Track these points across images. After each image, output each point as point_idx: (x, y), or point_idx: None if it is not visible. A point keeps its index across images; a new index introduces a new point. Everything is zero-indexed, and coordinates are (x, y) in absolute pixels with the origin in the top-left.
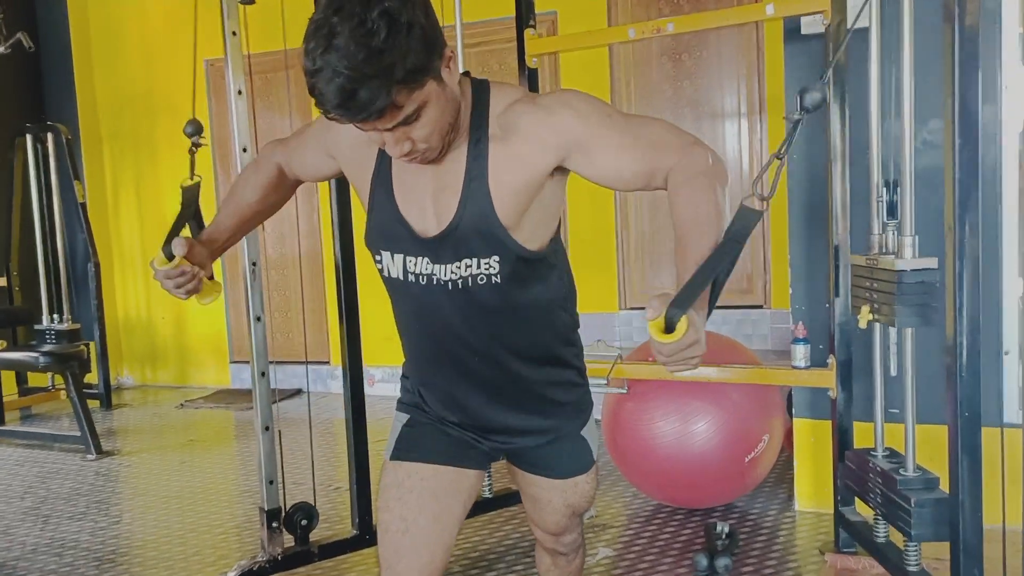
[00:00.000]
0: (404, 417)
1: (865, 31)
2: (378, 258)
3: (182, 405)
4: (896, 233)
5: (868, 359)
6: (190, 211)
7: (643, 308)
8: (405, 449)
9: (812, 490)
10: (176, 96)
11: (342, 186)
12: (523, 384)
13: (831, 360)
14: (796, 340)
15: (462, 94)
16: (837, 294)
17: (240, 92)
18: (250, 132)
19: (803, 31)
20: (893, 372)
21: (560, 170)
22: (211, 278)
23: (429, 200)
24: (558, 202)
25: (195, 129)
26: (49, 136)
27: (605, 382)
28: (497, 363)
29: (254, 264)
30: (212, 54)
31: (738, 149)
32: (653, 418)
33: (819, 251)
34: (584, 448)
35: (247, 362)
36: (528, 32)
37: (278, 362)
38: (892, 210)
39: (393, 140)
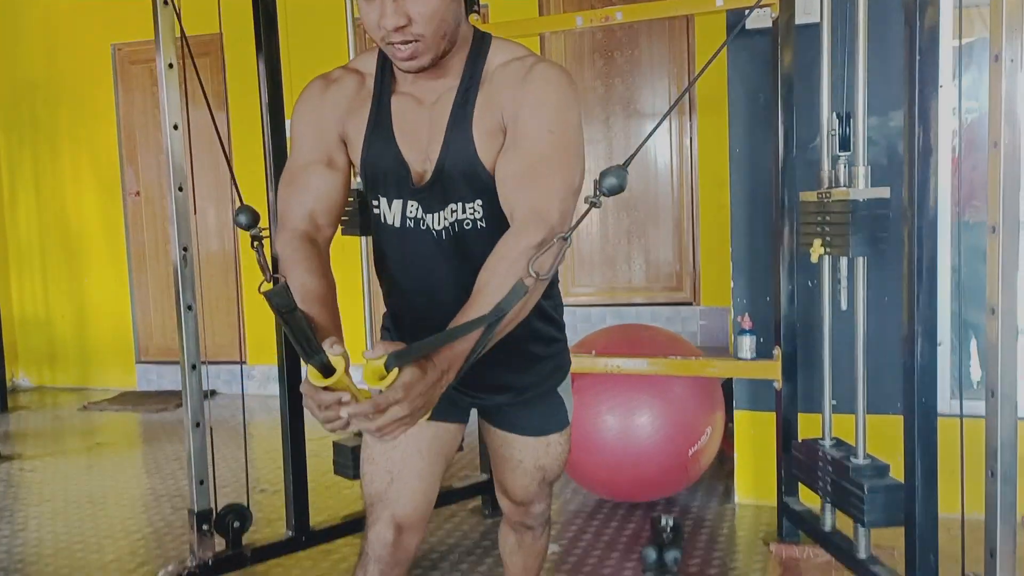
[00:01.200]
0: None
1: (815, 26)
2: (376, 203)
3: (84, 407)
4: (848, 165)
5: (811, 353)
6: (298, 317)
7: (588, 305)
8: None
9: (752, 482)
10: (80, 84)
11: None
12: (506, 339)
13: (777, 351)
14: (742, 331)
15: (465, 37)
16: (784, 266)
17: (171, 66)
18: (181, 110)
19: (748, 26)
20: (843, 306)
21: None
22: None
23: (424, 141)
24: None
25: (250, 220)
26: None
27: None
28: None
29: (185, 249)
30: (120, 38)
31: (668, 148)
32: (598, 412)
33: (760, 244)
34: (559, 406)
35: (155, 362)
36: (472, 17)
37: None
38: (844, 143)
39: (392, 5)
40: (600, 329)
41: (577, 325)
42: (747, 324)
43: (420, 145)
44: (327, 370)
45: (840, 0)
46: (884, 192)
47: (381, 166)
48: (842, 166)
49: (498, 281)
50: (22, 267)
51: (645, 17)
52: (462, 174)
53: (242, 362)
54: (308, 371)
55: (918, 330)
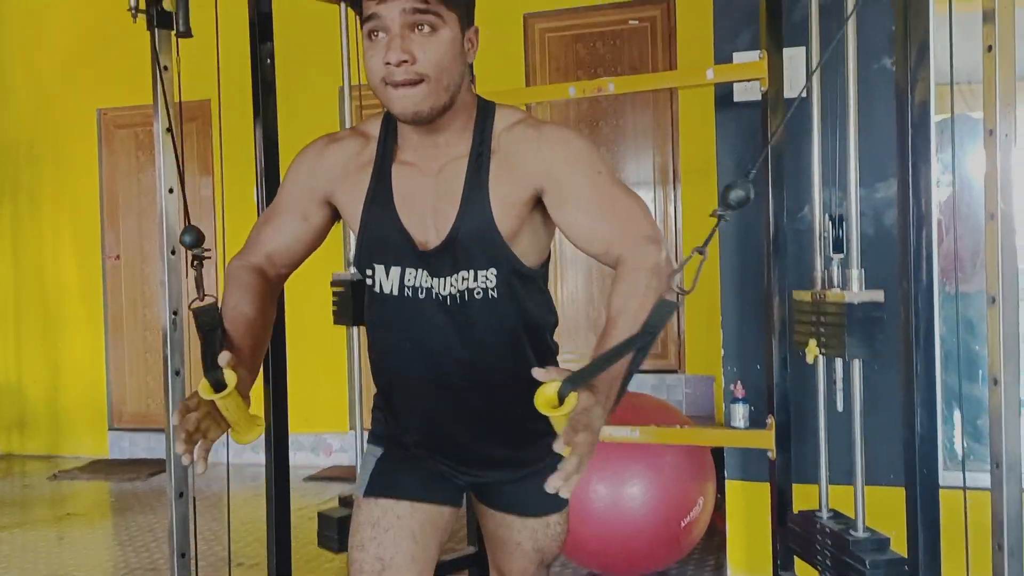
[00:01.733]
0: (377, 451)
1: (802, 101)
2: (370, 272)
3: (54, 476)
4: (841, 267)
5: (804, 422)
6: (217, 335)
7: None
8: (380, 485)
9: (745, 556)
10: (65, 146)
11: None
12: (508, 411)
13: (770, 420)
14: (735, 400)
15: (468, 102)
16: (775, 335)
17: (168, 130)
18: (176, 173)
19: (735, 99)
20: (840, 408)
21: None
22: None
23: (429, 210)
24: (551, 229)
25: (195, 239)
26: None
27: None
28: (485, 388)
29: (175, 313)
30: (106, 103)
31: (655, 217)
32: (588, 480)
33: (750, 312)
34: None
35: (128, 429)
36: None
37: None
38: (838, 245)
39: (399, 42)
40: None
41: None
42: (740, 392)
43: (424, 213)
44: (219, 385)
45: (829, 75)
46: (879, 295)
47: (380, 233)
48: (836, 267)
49: (638, 301)
50: None
51: (637, 89)
52: (478, 241)
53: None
54: (201, 384)
55: (918, 400)
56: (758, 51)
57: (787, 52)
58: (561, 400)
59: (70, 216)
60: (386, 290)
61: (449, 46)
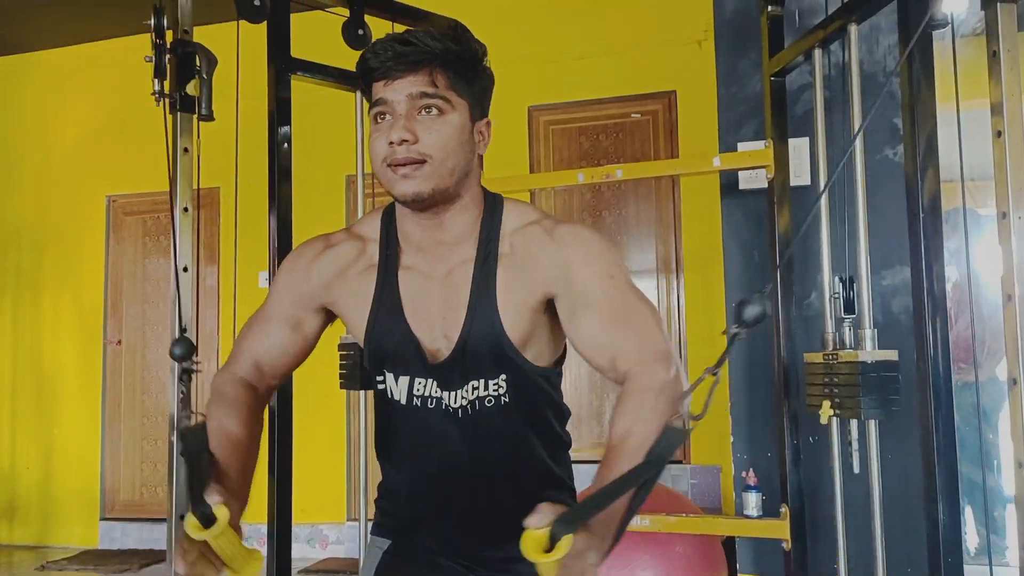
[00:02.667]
0: (384, 542)
1: (806, 188)
2: (380, 378)
3: (43, 567)
4: (853, 328)
5: (817, 512)
6: (205, 460)
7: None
8: None
9: None
10: (70, 232)
11: None
12: (519, 513)
13: (784, 509)
14: (747, 488)
15: (476, 196)
16: (787, 400)
17: (186, 210)
18: (192, 254)
19: (741, 186)
20: (856, 469)
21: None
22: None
23: (437, 318)
24: (562, 332)
25: (185, 351)
26: None
27: None
28: (499, 494)
29: (183, 393)
30: (115, 190)
31: (655, 304)
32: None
33: (760, 399)
34: None
35: (120, 519)
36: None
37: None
38: (849, 306)
39: (403, 122)
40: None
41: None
42: (752, 480)
43: (432, 321)
44: (207, 520)
45: (833, 164)
46: (892, 355)
47: (389, 343)
48: (847, 328)
49: (644, 426)
50: None
51: (645, 175)
52: (487, 350)
53: None
54: (187, 519)
55: (940, 489)
56: (763, 141)
57: (791, 142)
58: (553, 543)
59: (73, 301)
60: (396, 397)
61: (456, 131)
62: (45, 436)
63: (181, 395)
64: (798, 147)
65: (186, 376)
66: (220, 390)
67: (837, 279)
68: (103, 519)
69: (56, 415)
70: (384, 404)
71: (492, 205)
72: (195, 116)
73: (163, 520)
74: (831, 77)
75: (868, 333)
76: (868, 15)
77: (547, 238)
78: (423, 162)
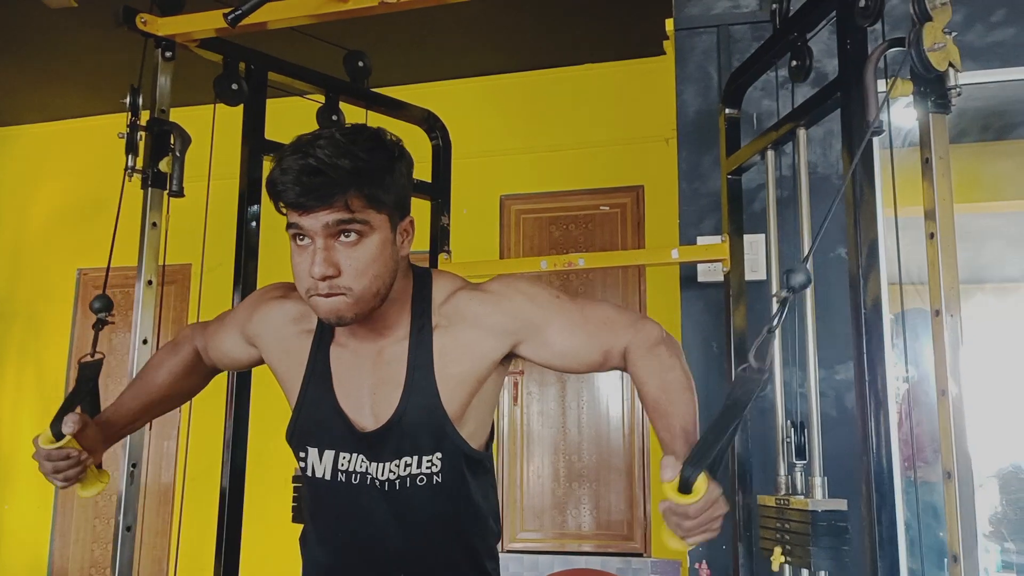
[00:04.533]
0: None
1: (761, 283)
2: (303, 455)
3: None
4: (804, 474)
5: None
6: (86, 387)
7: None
8: None
9: None
10: (38, 306)
11: (241, 393)
12: None
13: None
14: None
15: (404, 286)
16: (741, 540)
17: (150, 283)
18: (154, 327)
19: (699, 279)
20: None
21: (506, 359)
22: (99, 467)
23: (367, 393)
24: (495, 396)
25: (103, 305)
26: None
27: None
28: (426, 573)
29: (134, 466)
30: (87, 264)
31: (620, 394)
32: None
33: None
34: None
35: None
36: (442, 256)
37: None
38: (800, 451)
39: (323, 254)
40: (555, 572)
41: (524, 574)
42: (705, 572)
43: (361, 398)
44: (57, 436)
45: (785, 261)
46: (842, 504)
47: (316, 414)
48: (799, 473)
49: (672, 374)
50: None
51: (605, 264)
52: (424, 424)
53: None
54: (44, 431)
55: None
56: (721, 236)
57: (747, 238)
58: (686, 487)
59: (35, 374)
60: (318, 474)
61: (377, 251)
62: None
63: (93, 338)
64: (755, 243)
65: (99, 324)
66: (180, 339)
67: (788, 423)
68: None
69: (7, 492)
70: (307, 487)
71: (420, 283)
72: (166, 192)
73: None
74: (787, 177)
75: (818, 481)
76: (816, 120)
77: (483, 297)
78: (344, 294)
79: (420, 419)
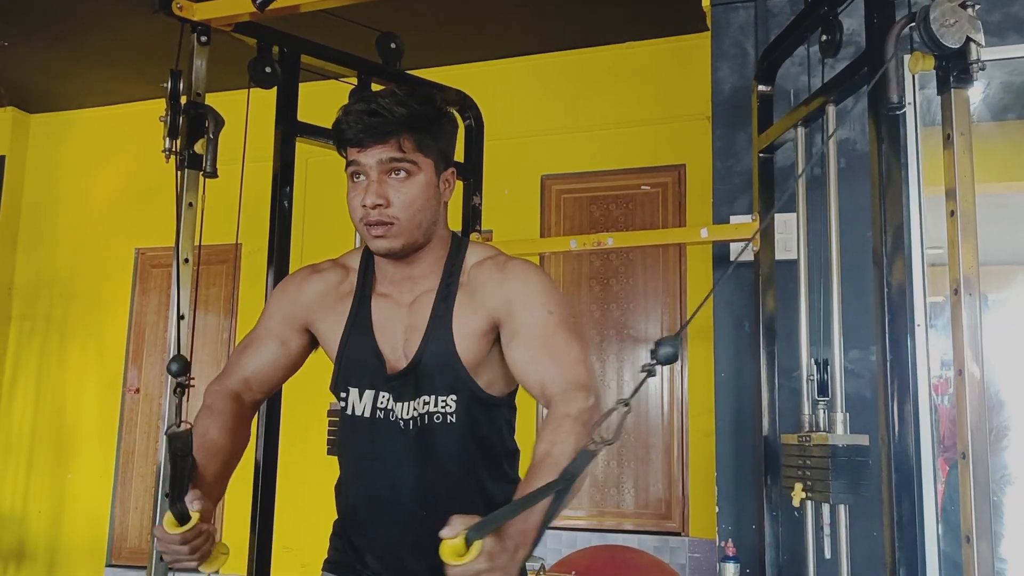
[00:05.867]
0: None
1: (793, 262)
2: (344, 395)
3: None
4: (827, 411)
5: None
6: (188, 463)
7: (575, 529)
8: None
9: None
10: (100, 284)
11: None
12: None
13: None
14: (725, 558)
15: (444, 238)
16: (768, 477)
17: (187, 260)
18: (190, 307)
19: (732, 258)
20: (827, 555)
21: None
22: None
23: (400, 338)
24: None
25: (180, 368)
26: None
27: None
28: (442, 516)
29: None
30: (144, 243)
31: (659, 374)
32: None
33: (747, 469)
34: None
35: (124, 566)
36: (473, 235)
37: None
38: (823, 388)
39: (375, 187)
40: (585, 548)
41: (562, 550)
42: (731, 550)
43: (396, 341)
44: (183, 518)
45: (816, 239)
46: (863, 439)
47: (358, 357)
48: (821, 410)
49: (561, 448)
50: (7, 460)
51: (634, 243)
52: (438, 368)
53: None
54: (166, 516)
55: (899, 560)
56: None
57: (780, 217)
58: (463, 547)
59: (97, 351)
60: (358, 412)
61: (423, 189)
62: (59, 482)
63: (176, 405)
64: (788, 222)
65: (180, 390)
66: (208, 400)
67: (812, 361)
68: (108, 566)
69: (71, 462)
70: (345, 423)
71: (457, 245)
72: (201, 173)
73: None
74: (822, 155)
75: (840, 417)
76: (845, 96)
77: (498, 271)
78: (393, 224)
79: (436, 363)
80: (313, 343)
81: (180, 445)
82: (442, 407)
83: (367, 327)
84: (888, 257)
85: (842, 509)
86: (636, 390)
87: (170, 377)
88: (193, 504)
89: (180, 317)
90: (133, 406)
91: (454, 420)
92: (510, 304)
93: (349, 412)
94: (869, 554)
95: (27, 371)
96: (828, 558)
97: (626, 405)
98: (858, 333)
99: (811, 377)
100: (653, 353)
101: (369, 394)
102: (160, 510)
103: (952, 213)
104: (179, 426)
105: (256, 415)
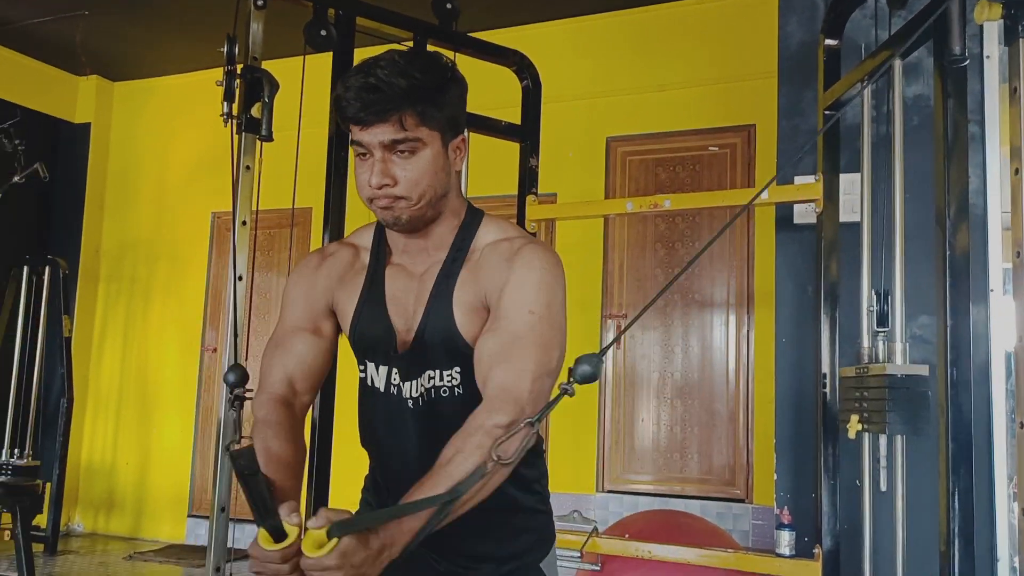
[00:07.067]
0: None
1: (857, 225)
2: (362, 368)
3: (130, 557)
4: (886, 341)
5: (856, 554)
6: (260, 480)
7: (638, 493)
8: None
9: None
10: (180, 246)
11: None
12: (485, 508)
13: (817, 550)
14: (780, 526)
15: (456, 208)
16: (824, 447)
17: (244, 223)
18: (248, 269)
19: (795, 220)
20: (883, 487)
21: None
22: None
23: (411, 310)
24: None
25: (239, 378)
26: (47, 269)
27: (578, 555)
28: None
29: (232, 392)
30: (221, 207)
31: (724, 339)
32: None
33: (806, 436)
34: None
35: (205, 516)
36: (529, 198)
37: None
38: (882, 319)
39: (380, 166)
40: (641, 511)
41: (624, 513)
42: (786, 518)
43: (407, 313)
44: (279, 534)
45: (882, 198)
46: (923, 369)
47: (371, 333)
48: (880, 342)
49: (460, 459)
50: (98, 414)
51: (691, 205)
52: (441, 342)
53: None
54: (259, 533)
55: (955, 530)
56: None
57: (846, 177)
58: (322, 540)
59: (177, 311)
60: (376, 385)
61: (430, 164)
62: (144, 436)
63: (233, 420)
64: (854, 182)
65: (237, 402)
66: (259, 415)
67: (873, 292)
68: (190, 515)
69: (155, 417)
70: (365, 394)
71: (471, 218)
72: (257, 137)
73: (246, 520)
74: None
75: (899, 347)
76: (912, 49)
77: (507, 254)
78: (401, 200)
79: (437, 338)
80: (339, 324)
81: (245, 463)
82: (448, 380)
83: (380, 300)
84: (952, 219)
85: (899, 440)
86: (544, 412)
87: (225, 387)
88: (291, 517)
89: (238, 279)
90: (211, 364)
91: (461, 391)
92: (501, 291)
93: (368, 384)
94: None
95: (114, 330)
96: (883, 491)
97: (532, 424)
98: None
99: (871, 308)
100: (571, 372)
101: (384, 369)
102: (221, 467)
103: (1016, 171)
104: (239, 442)
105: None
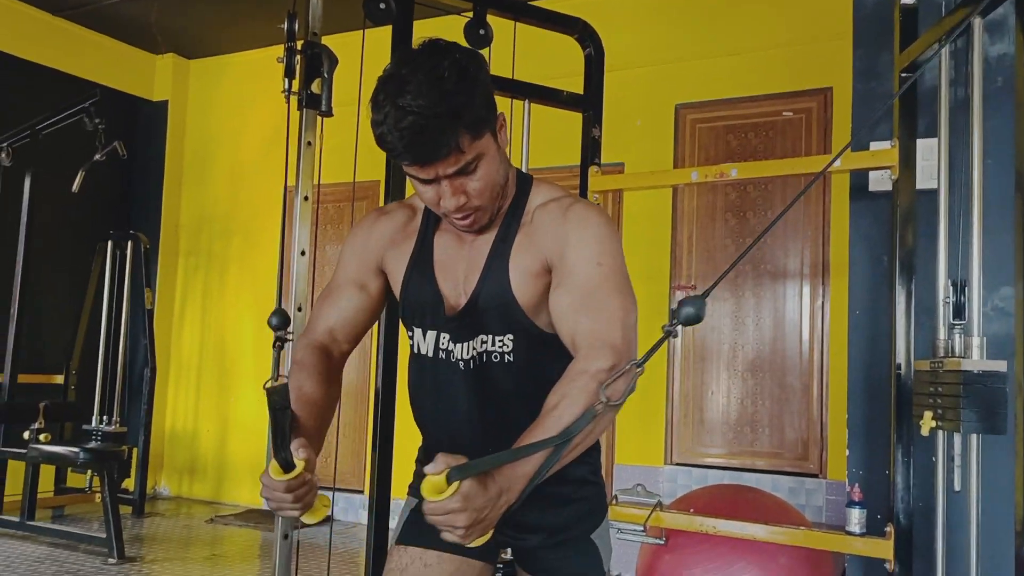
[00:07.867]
0: (413, 502)
1: (934, 193)
2: (411, 335)
3: (212, 520)
4: (963, 335)
5: (929, 533)
6: (287, 415)
7: (708, 466)
8: (412, 534)
9: None
10: (254, 221)
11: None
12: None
13: (889, 528)
14: (851, 503)
15: (511, 185)
16: (898, 425)
17: (306, 198)
18: (311, 244)
19: (871, 188)
20: (957, 487)
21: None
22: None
23: (461, 277)
24: None
25: (281, 321)
26: (129, 244)
27: (642, 530)
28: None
29: None
30: (292, 181)
31: (798, 311)
32: (693, 574)
33: (879, 411)
34: (594, 554)
35: None
36: (592, 169)
37: None
38: (959, 311)
39: (451, 191)
40: (707, 486)
41: (693, 486)
42: (857, 496)
43: (457, 279)
44: (288, 466)
45: (960, 165)
46: (1000, 365)
47: (419, 298)
48: (957, 335)
49: (568, 403)
50: (180, 383)
51: (758, 174)
52: (495, 307)
53: (359, 491)
54: (271, 464)
55: None
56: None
57: (924, 142)
58: (443, 484)
59: (251, 283)
60: (424, 351)
61: (493, 167)
62: (224, 404)
63: (273, 359)
64: (932, 148)
65: (279, 343)
66: (298, 356)
67: (949, 282)
68: None
69: (233, 386)
70: (413, 360)
71: (523, 186)
72: (317, 113)
73: (321, 487)
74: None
75: (976, 341)
76: (992, 7)
77: (559, 213)
78: (478, 211)
79: (492, 301)
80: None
81: (278, 398)
82: (499, 346)
83: (428, 266)
84: None
85: (974, 439)
86: (650, 353)
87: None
88: (299, 452)
89: (301, 253)
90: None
91: (511, 359)
92: (563, 249)
93: (415, 351)
94: (1001, 488)
95: (193, 303)
96: (957, 491)
97: (639, 366)
98: (1011, 269)
99: (947, 300)
100: (674, 313)
101: (432, 334)
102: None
103: None
104: (276, 380)
105: (373, 347)
